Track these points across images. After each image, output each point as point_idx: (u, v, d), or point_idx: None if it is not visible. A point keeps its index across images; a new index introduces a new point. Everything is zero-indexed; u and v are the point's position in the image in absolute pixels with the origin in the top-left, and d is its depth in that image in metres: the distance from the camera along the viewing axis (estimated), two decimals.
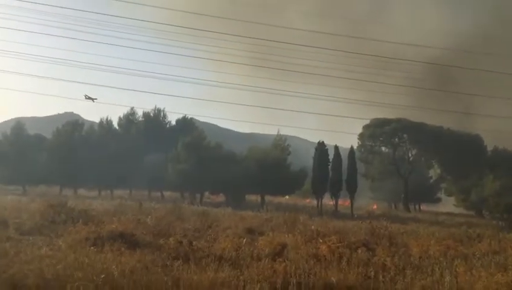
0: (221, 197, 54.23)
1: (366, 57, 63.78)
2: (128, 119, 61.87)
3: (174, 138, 53.97)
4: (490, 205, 42.98)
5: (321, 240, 16.02)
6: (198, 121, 72.41)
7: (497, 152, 59.96)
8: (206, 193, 55.46)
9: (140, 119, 62.23)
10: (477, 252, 15.94)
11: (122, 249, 13.43)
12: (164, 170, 50.29)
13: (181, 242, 14.26)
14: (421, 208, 66.05)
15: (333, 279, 10.69)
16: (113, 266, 10.46)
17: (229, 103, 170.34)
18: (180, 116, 64.15)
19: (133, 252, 13.09)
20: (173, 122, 63.47)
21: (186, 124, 62.26)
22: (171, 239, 14.87)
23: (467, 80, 72.37)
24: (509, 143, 60.86)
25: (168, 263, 11.64)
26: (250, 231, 20.31)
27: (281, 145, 54.62)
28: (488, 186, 47.04)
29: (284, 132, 60.58)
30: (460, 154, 57.36)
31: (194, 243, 14.74)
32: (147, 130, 58.57)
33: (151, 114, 62.30)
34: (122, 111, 71.80)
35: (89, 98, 62.58)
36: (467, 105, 72.36)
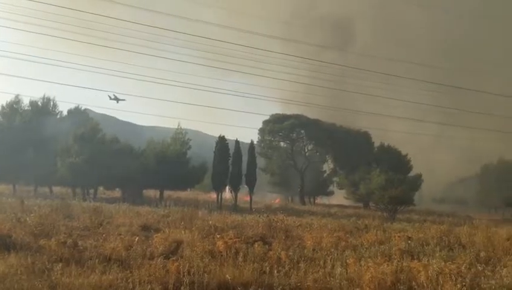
0: (118, 193, 51.75)
1: (268, 54, 65.17)
2: (12, 108, 56.15)
3: (64, 129, 50.10)
4: (376, 197, 46.13)
5: (218, 236, 15.77)
6: (94, 112, 68.33)
7: (383, 148, 64.91)
8: (102, 189, 52.41)
9: (27, 108, 56.86)
10: (365, 243, 16.83)
11: None
12: (53, 163, 46.48)
13: (64, 242, 13.00)
14: (316, 201, 69.31)
15: (228, 276, 10.40)
16: None
17: (131, 95, 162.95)
18: (73, 106, 60.02)
19: (6, 256, 11.64)
20: (65, 113, 59.08)
21: (79, 114, 58.18)
22: (53, 240, 13.49)
23: (360, 79, 77.58)
24: (392, 140, 66.51)
25: (46, 267, 10.44)
26: (145, 228, 19.44)
27: (181, 139, 53.47)
28: (374, 180, 50.58)
29: (187, 126, 59.33)
30: (351, 149, 61.26)
31: (80, 243, 13.57)
32: (34, 120, 53.64)
33: (39, 103, 57.22)
34: (6, 99, 64.62)
35: (115, 98, 55.94)
36: (356, 104, 77.68)
